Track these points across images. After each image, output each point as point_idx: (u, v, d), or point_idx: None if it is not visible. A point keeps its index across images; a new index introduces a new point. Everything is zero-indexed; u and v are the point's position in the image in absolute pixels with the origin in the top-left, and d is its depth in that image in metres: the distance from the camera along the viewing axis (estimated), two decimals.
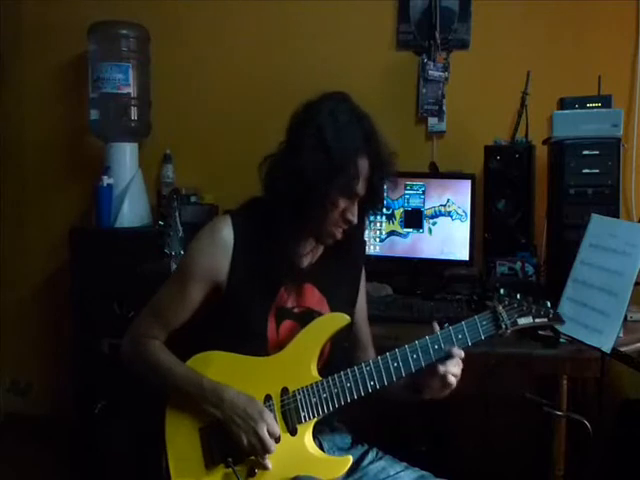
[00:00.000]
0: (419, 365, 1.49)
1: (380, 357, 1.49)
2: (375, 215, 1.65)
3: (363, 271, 1.72)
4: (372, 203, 1.56)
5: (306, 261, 1.59)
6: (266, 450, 1.43)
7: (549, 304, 1.56)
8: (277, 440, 1.46)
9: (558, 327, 1.69)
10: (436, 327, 1.51)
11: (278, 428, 1.45)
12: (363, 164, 1.48)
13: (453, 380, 1.47)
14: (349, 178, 1.46)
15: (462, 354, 1.49)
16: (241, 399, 1.45)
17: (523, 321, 1.52)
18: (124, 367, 1.59)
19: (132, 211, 2.85)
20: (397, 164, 1.55)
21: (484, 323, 1.50)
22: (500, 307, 1.51)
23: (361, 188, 1.50)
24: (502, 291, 1.54)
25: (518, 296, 1.54)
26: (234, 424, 1.44)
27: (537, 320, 1.53)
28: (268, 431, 1.43)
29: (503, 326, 1.50)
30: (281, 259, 1.52)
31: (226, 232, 1.52)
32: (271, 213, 1.51)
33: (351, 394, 1.48)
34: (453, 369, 1.47)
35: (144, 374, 1.57)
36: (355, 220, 1.53)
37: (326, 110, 1.49)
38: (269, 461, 1.44)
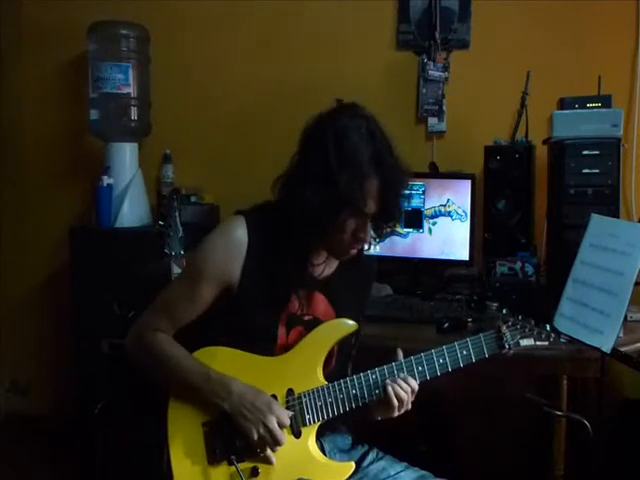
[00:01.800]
0: (424, 377, 1.51)
1: (386, 366, 1.50)
2: (391, 231, 1.60)
3: (369, 297, 1.73)
4: (385, 220, 1.53)
5: (319, 270, 1.57)
6: (276, 442, 1.43)
7: (549, 327, 1.59)
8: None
9: (558, 327, 1.69)
10: (399, 354, 1.52)
11: (288, 419, 1.45)
12: (371, 186, 1.44)
13: (395, 403, 1.47)
14: (356, 204, 1.43)
15: (416, 387, 1.49)
16: (249, 392, 1.45)
17: (525, 342, 1.56)
18: (128, 360, 1.58)
19: (132, 211, 2.85)
20: (409, 175, 1.52)
21: (489, 342, 1.53)
22: (504, 327, 1.54)
23: (371, 207, 1.46)
24: (505, 311, 1.58)
25: (520, 317, 1.57)
26: (242, 417, 1.43)
27: (538, 343, 1.57)
28: (278, 423, 1.43)
29: (507, 346, 1.54)
30: (294, 266, 1.51)
31: (240, 233, 1.51)
32: (284, 220, 1.49)
33: (356, 401, 1.49)
34: (400, 392, 1.47)
35: (149, 366, 1.56)
36: (367, 238, 1.50)
37: (333, 132, 1.44)
38: (274, 457, 1.44)
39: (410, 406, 1.50)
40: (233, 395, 1.44)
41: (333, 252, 1.55)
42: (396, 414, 1.50)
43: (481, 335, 1.53)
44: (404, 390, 1.47)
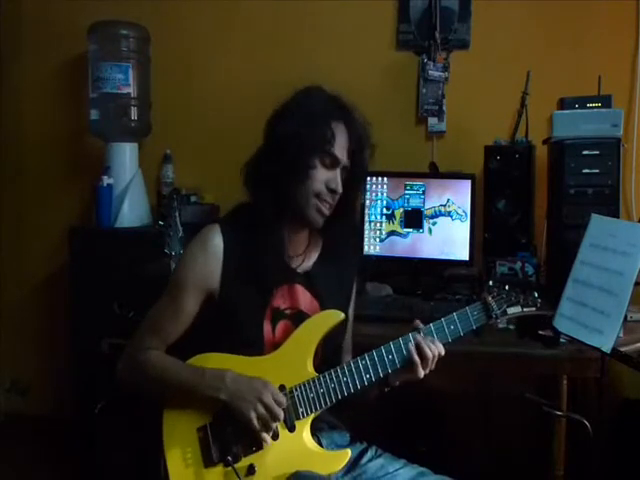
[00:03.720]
0: None
1: (375, 350, 1.51)
2: (358, 186, 1.64)
3: (355, 285, 1.73)
4: (355, 175, 1.57)
5: (299, 262, 1.60)
6: (275, 417, 1.43)
7: (536, 294, 1.59)
8: (276, 435, 1.47)
9: (558, 327, 1.69)
10: (418, 324, 1.53)
11: (283, 397, 1.46)
12: (340, 129, 1.51)
13: (417, 360, 1.48)
14: (325, 138, 1.49)
15: (442, 351, 1.50)
16: (243, 377, 1.47)
17: (512, 310, 1.56)
18: (119, 385, 1.59)
19: (132, 211, 2.85)
20: (373, 136, 1.58)
21: (475, 313, 1.53)
22: (489, 297, 1.54)
23: (341, 155, 1.52)
24: (491, 282, 1.58)
25: (506, 287, 1.57)
26: (239, 399, 1.44)
27: (525, 309, 1.57)
28: (274, 400, 1.44)
29: (494, 316, 1.54)
30: (271, 260, 1.53)
31: (216, 240, 1.54)
32: (257, 212, 1.52)
33: (348, 388, 1.49)
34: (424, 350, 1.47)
35: (144, 385, 1.57)
36: (339, 189, 1.54)
37: (297, 92, 1.57)
38: (269, 437, 1.45)
39: (434, 366, 1.50)
40: (228, 383, 1.46)
41: (307, 214, 1.55)
42: (421, 375, 1.49)
43: (467, 308, 1.53)
44: (430, 349, 1.48)
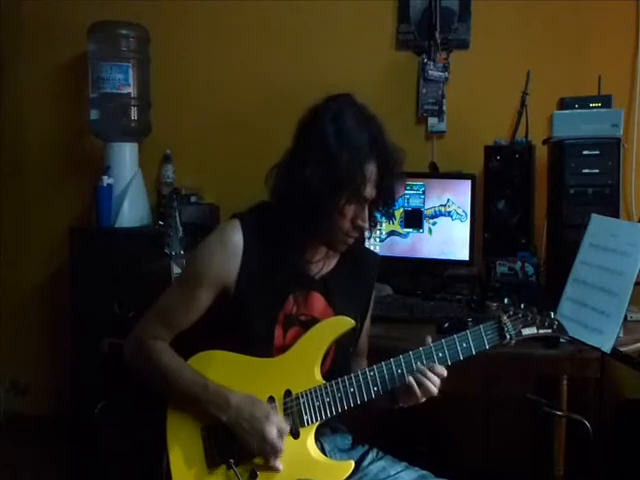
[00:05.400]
0: None
1: (384, 363, 1.49)
2: (386, 216, 1.60)
3: (374, 290, 1.71)
4: (382, 205, 1.55)
5: (316, 269, 1.58)
6: (276, 452, 1.42)
7: (553, 315, 1.55)
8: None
9: None
10: (428, 340, 1.51)
11: (287, 426, 1.45)
12: (371, 169, 1.46)
13: (419, 392, 1.45)
14: (357, 186, 1.45)
15: (444, 373, 1.47)
16: (247, 403, 1.45)
17: (527, 331, 1.51)
18: (126, 368, 1.58)
19: (132, 211, 2.85)
20: (405, 161, 1.54)
21: (489, 333, 1.50)
22: (505, 317, 1.50)
23: (370, 192, 1.48)
24: (506, 300, 1.54)
25: (522, 306, 1.53)
26: (241, 428, 1.43)
27: (541, 331, 1.53)
28: (277, 431, 1.42)
29: (508, 336, 1.49)
30: (290, 266, 1.51)
31: (236, 237, 1.51)
32: (280, 220, 1.50)
33: (354, 399, 1.48)
34: (426, 381, 1.45)
35: (147, 376, 1.56)
36: (366, 225, 1.52)
37: (330, 116, 1.47)
38: (279, 462, 1.44)
39: (437, 391, 1.46)
40: (231, 407, 1.44)
41: (332, 244, 1.55)
42: (422, 401, 1.48)
43: (481, 326, 1.50)
44: (429, 378, 1.45)
